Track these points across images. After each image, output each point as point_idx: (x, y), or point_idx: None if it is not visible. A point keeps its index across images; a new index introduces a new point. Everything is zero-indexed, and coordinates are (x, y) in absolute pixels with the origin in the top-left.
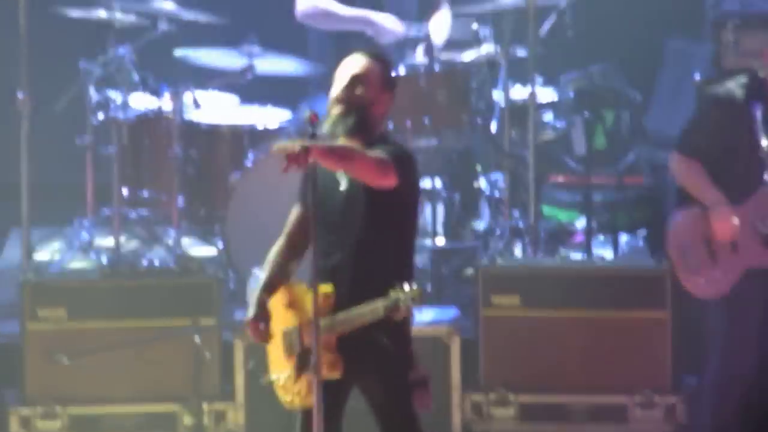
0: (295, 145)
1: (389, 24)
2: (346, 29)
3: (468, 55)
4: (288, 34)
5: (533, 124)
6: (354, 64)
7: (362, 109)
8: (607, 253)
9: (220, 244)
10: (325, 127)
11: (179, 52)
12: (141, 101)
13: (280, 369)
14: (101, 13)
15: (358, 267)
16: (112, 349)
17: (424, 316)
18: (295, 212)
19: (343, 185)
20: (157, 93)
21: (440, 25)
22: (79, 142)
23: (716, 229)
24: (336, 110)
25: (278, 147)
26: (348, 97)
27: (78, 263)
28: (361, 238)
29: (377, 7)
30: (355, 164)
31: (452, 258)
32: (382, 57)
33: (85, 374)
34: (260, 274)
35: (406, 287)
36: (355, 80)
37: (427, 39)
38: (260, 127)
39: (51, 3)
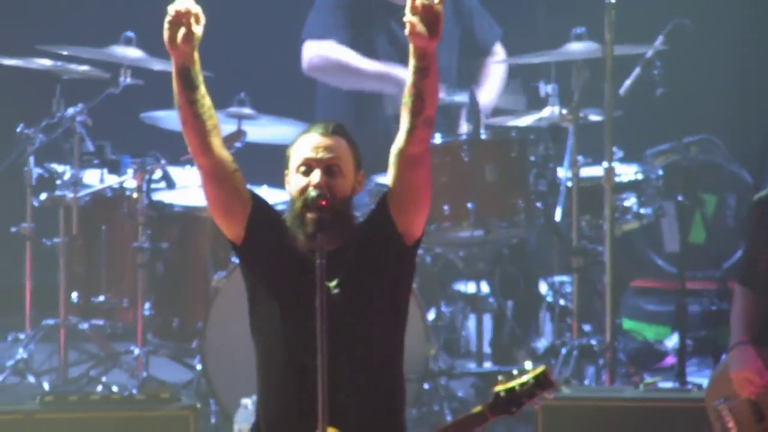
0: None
1: None
2: (364, 88)
3: (524, 120)
4: (287, 92)
5: (611, 210)
6: (322, 144)
7: (344, 203)
8: (706, 381)
9: (198, 366)
10: (299, 236)
11: (147, 115)
12: (96, 177)
13: None
14: (44, 62)
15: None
16: None
17: None
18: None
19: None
20: (117, 167)
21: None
22: (15, 231)
23: (733, 378)
24: (312, 213)
25: None
26: (328, 191)
27: (12, 389)
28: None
29: (404, 60)
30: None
31: None
32: (345, 130)
33: None
34: (250, 406)
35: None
36: (331, 167)
37: (472, 100)
38: None
39: None
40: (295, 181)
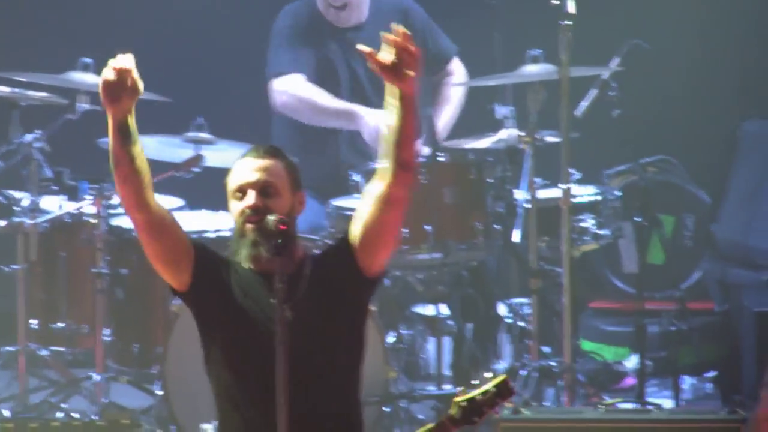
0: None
1: (379, 121)
2: (327, 125)
3: (482, 143)
4: (245, 117)
5: (568, 232)
6: (255, 166)
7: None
8: (666, 402)
9: (159, 391)
10: (241, 254)
11: (105, 140)
12: (54, 204)
13: None
14: (1, 89)
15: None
16: None
17: None
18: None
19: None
20: (75, 193)
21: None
22: None
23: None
24: (252, 232)
25: None
26: (265, 211)
27: None
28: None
29: (365, 101)
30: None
31: None
32: (280, 151)
33: None
34: (211, 431)
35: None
36: (266, 188)
37: (428, 122)
38: (211, 235)
39: None
40: (233, 206)
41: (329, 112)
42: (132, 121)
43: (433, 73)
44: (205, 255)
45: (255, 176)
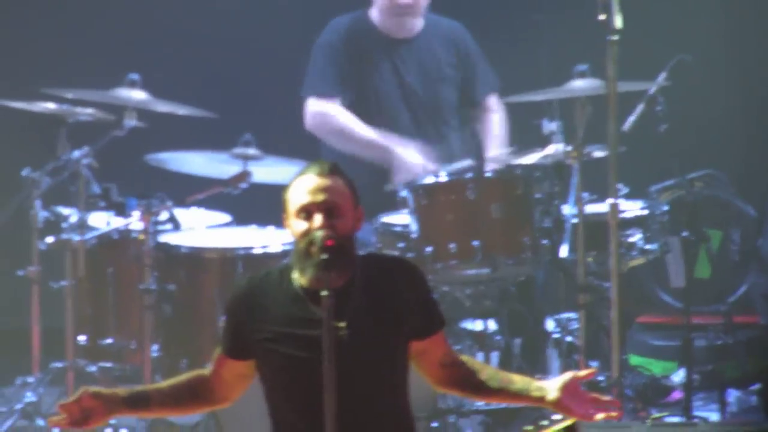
0: None
1: (414, 159)
2: (358, 154)
3: (530, 158)
4: (293, 133)
5: (616, 246)
6: (320, 186)
7: (348, 241)
8: (712, 415)
9: None
10: (308, 274)
11: (152, 157)
12: (102, 220)
13: None
14: (49, 105)
15: None
16: None
17: None
18: (221, 359)
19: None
20: (123, 209)
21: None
22: (22, 274)
23: None
24: (321, 252)
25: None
26: (333, 232)
27: None
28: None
29: (415, 115)
30: None
31: (510, 423)
32: (340, 168)
33: None
34: None
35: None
36: (331, 209)
37: (474, 138)
38: (258, 252)
39: None
40: (296, 226)
41: (364, 143)
42: (126, 406)
43: (470, 105)
44: (243, 342)
45: (321, 197)
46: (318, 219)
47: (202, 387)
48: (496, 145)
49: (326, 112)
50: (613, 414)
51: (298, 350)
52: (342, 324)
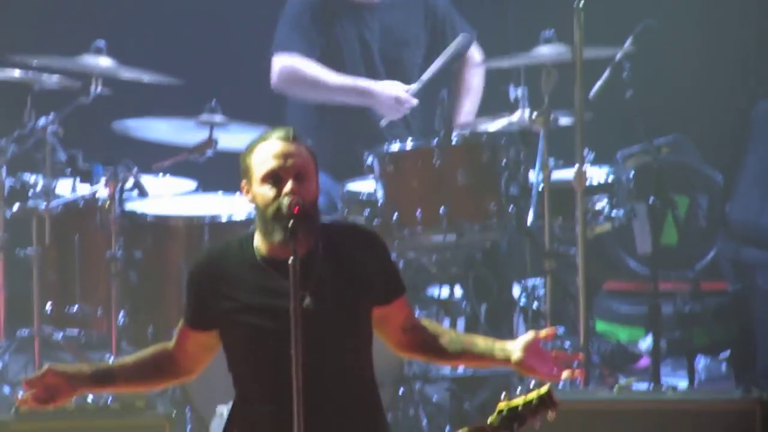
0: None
1: (394, 92)
2: (329, 101)
3: (496, 124)
4: (259, 99)
5: (582, 213)
6: (288, 151)
7: (314, 206)
8: (681, 382)
9: None
10: (275, 239)
11: (118, 124)
12: (68, 187)
13: None
14: (14, 73)
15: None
16: None
17: None
18: (184, 331)
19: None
20: (89, 177)
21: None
22: None
23: None
24: (290, 218)
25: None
26: (301, 198)
27: None
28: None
29: (376, 75)
30: None
31: (477, 390)
32: (301, 135)
33: None
34: (226, 413)
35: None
36: (300, 174)
37: (442, 104)
38: (224, 219)
39: None
40: (262, 191)
41: (336, 88)
42: (93, 378)
43: (452, 61)
44: (206, 314)
45: (290, 161)
46: (290, 184)
47: (167, 361)
48: (471, 101)
49: (293, 65)
50: (577, 372)
51: (261, 320)
52: (305, 294)
